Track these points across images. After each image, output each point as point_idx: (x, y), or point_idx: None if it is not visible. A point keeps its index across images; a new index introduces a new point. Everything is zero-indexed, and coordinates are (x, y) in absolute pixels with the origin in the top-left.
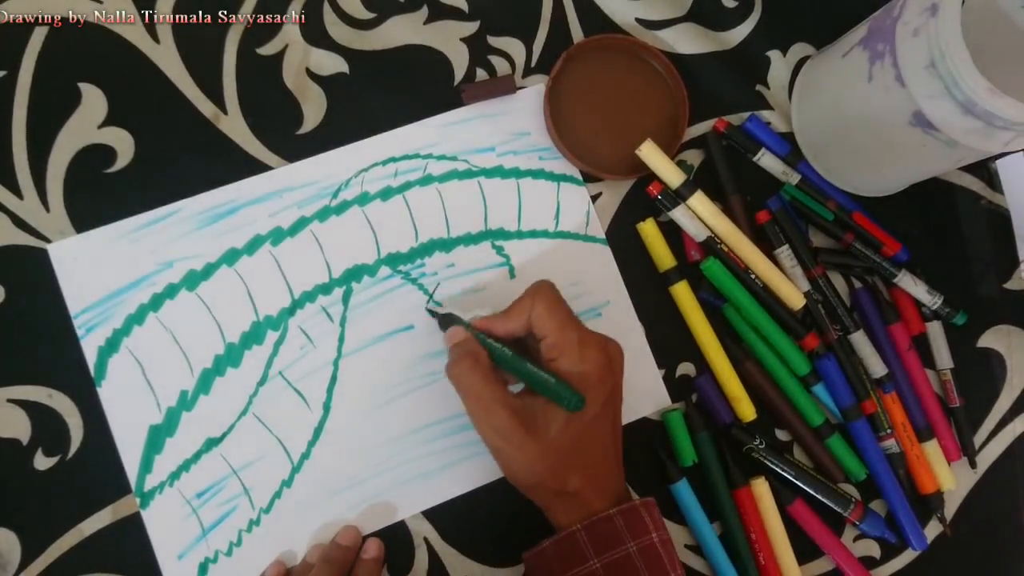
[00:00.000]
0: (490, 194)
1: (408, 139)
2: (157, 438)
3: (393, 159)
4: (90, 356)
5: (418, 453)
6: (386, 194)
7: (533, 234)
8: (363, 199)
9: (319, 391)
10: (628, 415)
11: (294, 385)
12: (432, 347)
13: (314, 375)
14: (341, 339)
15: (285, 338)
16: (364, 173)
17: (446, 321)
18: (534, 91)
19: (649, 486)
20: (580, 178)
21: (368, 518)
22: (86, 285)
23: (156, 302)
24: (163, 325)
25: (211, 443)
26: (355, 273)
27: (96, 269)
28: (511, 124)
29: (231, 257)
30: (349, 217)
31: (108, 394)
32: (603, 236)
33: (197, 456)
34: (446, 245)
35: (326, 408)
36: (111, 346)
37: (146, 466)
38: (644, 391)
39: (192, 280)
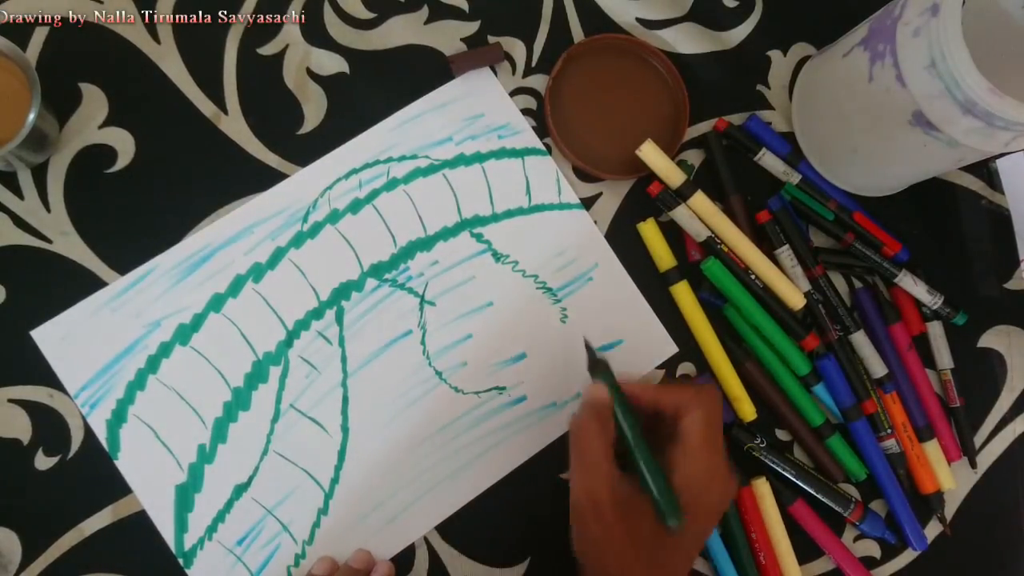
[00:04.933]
0: (457, 184)
1: (365, 147)
2: (185, 496)
3: (354, 170)
4: (100, 431)
5: (444, 453)
6: (355, 207)
7: (508, 214)
8: (334, 217)
9: (334, 415)
10: (639, 370)
11: (308, 415)
12: (435, 346)
13: (326, 400)
14: (344, 359)
15: (288, 371)
16: (329, 191)
17: (595, 367)
18: (478, 73)
19: None
20: (543, 148)
21: (410, 527)
22: (79, 363)
23: (153, 364)
24: (165, 385)
25: (240, 489)
26: (342, 291)
27: (85, 345)
28: (463, 110)
29: (216, 303)
30: (324, 238)
31: (127, 465)
32: (578, 202)
33: (229, 505)
34: (425, 244)
35: (345, 430)
36: (118, 417)
37: (181, 526)
38: (649, 342)
39: (183, 334)
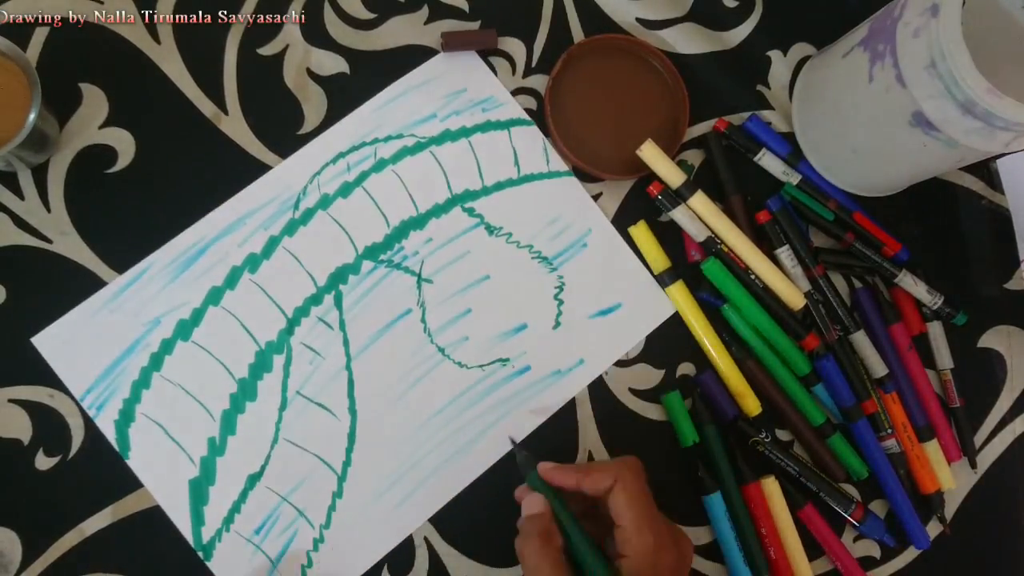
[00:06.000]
0: (445, 160)
1: (350, 130)
2: (199, 490)
3: (341, 154)
4: (108, 432)
5: (453, 428)
6: (345, 190)
7: (499, 186)
8: (324, 202)
9: (341, 398)
10: (635, 336)
11: (315, 400)
12: (435, 323)
13: (331, 385)
14: (346, 343)
15: (292, 358)
16: (318, 176)
17: (524, 464)
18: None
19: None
20: (529, 119)
21: (424, 505)
22: (82, 365)
23: (156, 361)
24: (170, 382)
25: (253, 479)
26: (339, 275)
27: (86, 348)
28: (444, 86)
29: (215, 296)
30: (316, 223)
31: (138, 463)
32: (567, 169)
33: (244, 495)
34: (418, 223)
35: (352, 413)
36: (126, 417)
37: (198, 520)
38: (647, 304)
39: (184, 330)
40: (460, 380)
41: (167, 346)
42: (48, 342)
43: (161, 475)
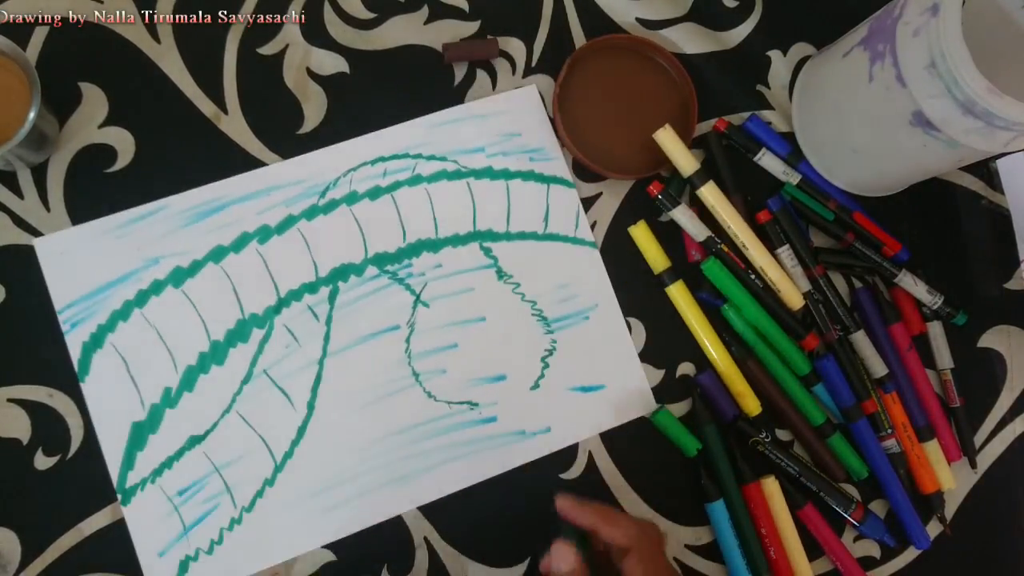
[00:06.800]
0: (479, 195)
1: (397, 139)
2: (140, 435)
3: (382, 159)
4: (74, 352)
5: (402, 454)
6: (374, 193)
7: (522, 236)
8: (351, 198)
9: (304, 390)
10: (607, 423)
11: (279, 384)
12: (419, 347)
13: (299, 374)
14: (327, 338)
15: (270, 336)
16: (353, 173)
17: (559, 529)
18: (525, 92)
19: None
20: (570, 180)
21: (350, 519)
22: (72, 280)
23: (142, 298)
24: (148, 321)
25: (194, 441)
26: (342, 272)
27: (82, 264)
28: (501, 125)
29: (218, 254)
30: (337, 216)
31: (91, 390)
32: (592, 239)
33: (180, 453)
34: (434, 246)
35: (310, 408)
36: (95, 342)
37: (128, 463)
38: (630, 394)
39: (178, 277)
40: (425, 410)
41: (157, 287)
42: (47, 249)
43: (108, 408)
